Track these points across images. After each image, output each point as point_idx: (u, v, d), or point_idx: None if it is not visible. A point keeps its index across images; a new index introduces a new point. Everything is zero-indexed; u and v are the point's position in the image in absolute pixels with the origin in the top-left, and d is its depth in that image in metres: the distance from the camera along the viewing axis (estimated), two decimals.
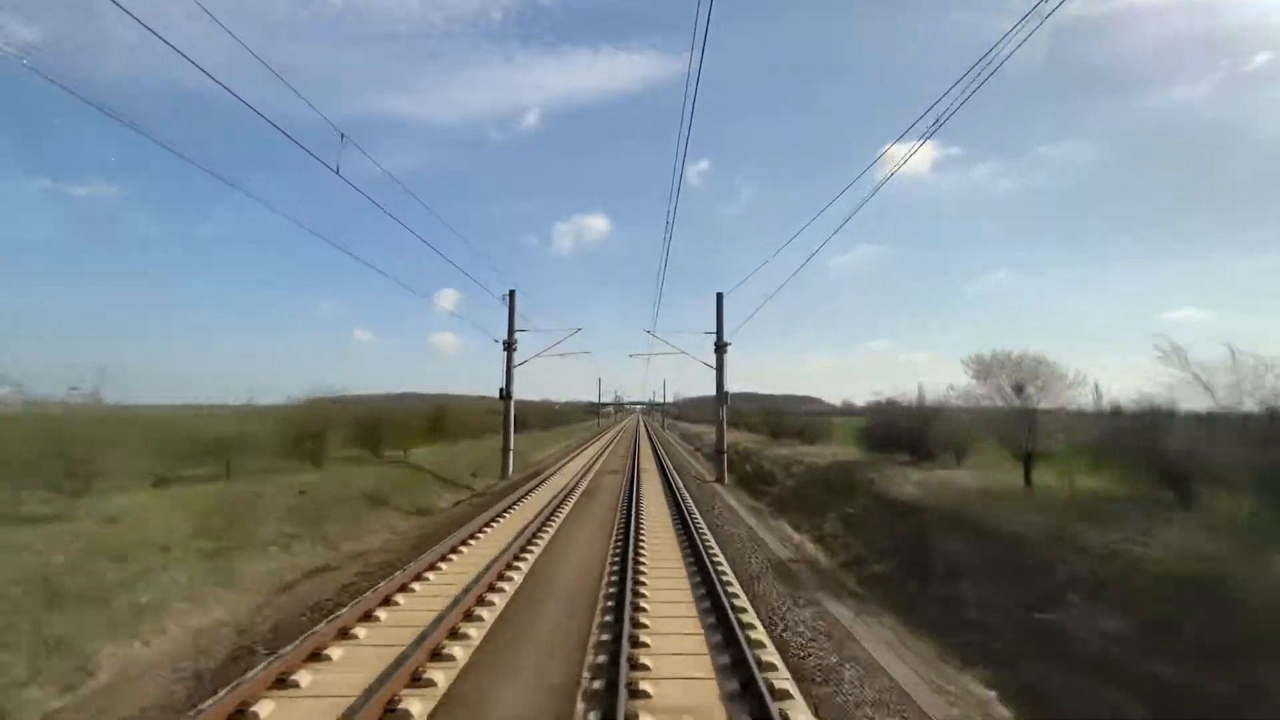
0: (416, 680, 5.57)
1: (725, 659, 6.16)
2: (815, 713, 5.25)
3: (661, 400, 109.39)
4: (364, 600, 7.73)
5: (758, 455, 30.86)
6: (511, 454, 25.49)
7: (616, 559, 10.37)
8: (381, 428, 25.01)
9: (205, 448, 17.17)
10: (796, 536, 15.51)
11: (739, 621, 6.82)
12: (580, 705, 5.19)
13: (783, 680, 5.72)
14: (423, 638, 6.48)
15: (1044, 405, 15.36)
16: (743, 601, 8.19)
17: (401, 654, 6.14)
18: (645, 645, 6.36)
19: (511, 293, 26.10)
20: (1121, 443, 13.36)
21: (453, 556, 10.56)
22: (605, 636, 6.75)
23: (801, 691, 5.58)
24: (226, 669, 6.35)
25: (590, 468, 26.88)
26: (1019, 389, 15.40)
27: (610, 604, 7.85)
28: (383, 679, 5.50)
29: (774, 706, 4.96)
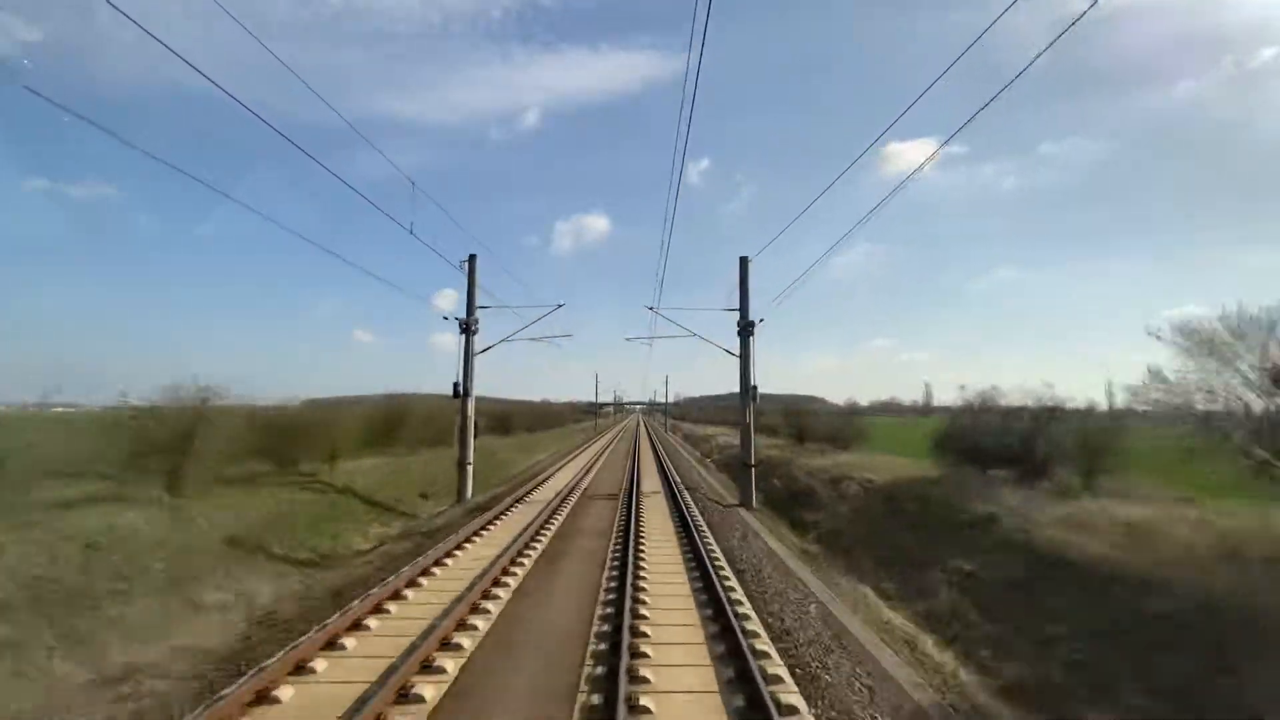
0: None
1: None
2: None
3: (664, 400, 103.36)
4: None
5: (787, 466, 24.76)
6: (470, 470, 19.41)
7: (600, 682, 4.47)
8: (301, 435, 18.96)
9: None
10: (896, 618, 9.44)
11: None
12: None
13: None
14: None
15: None
16: None
17: None
18: None
19: (472, 258, 20.05)
20: None
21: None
22: None
23: None
24: None
25: (577, 484, 20.88)
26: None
27: None
28: None
29: None
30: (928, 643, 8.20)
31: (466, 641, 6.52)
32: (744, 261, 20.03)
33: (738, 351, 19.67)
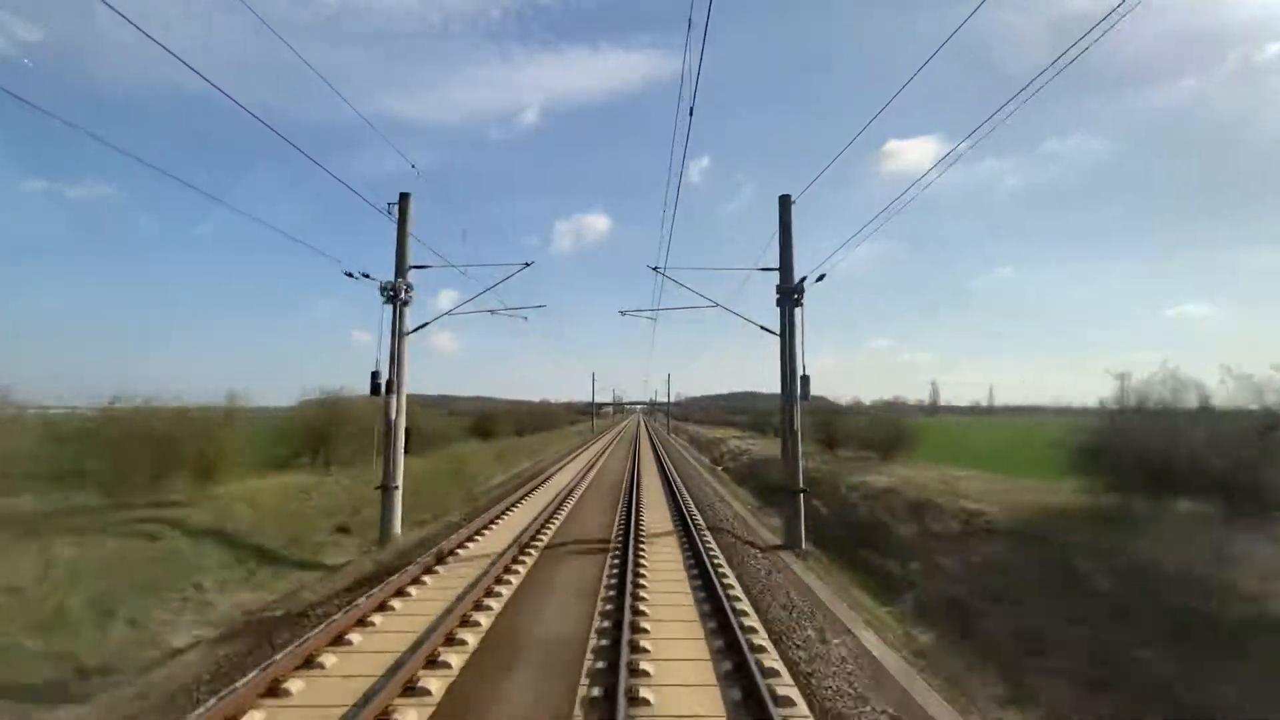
0: None
1: None
2: None
3: (665, 400, 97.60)
4: None
5: (831, 484, 18.94)
6: (398, 496, 13.62)
7: None
8: (152, 450, 13.20)
9: None
10: None
11: None
12: None
13: None
14: None
15: None
16: None
17: None
18: None
19: (403, 198, 14.27)
20: None
21: None
22: None
23: None
24: None
25: (555, 512, 15.13)
26: None
27: None
28: None
29: None
30: None
31: None
32: (785, 204, 14.27)
33: (775, 328, 13.93)
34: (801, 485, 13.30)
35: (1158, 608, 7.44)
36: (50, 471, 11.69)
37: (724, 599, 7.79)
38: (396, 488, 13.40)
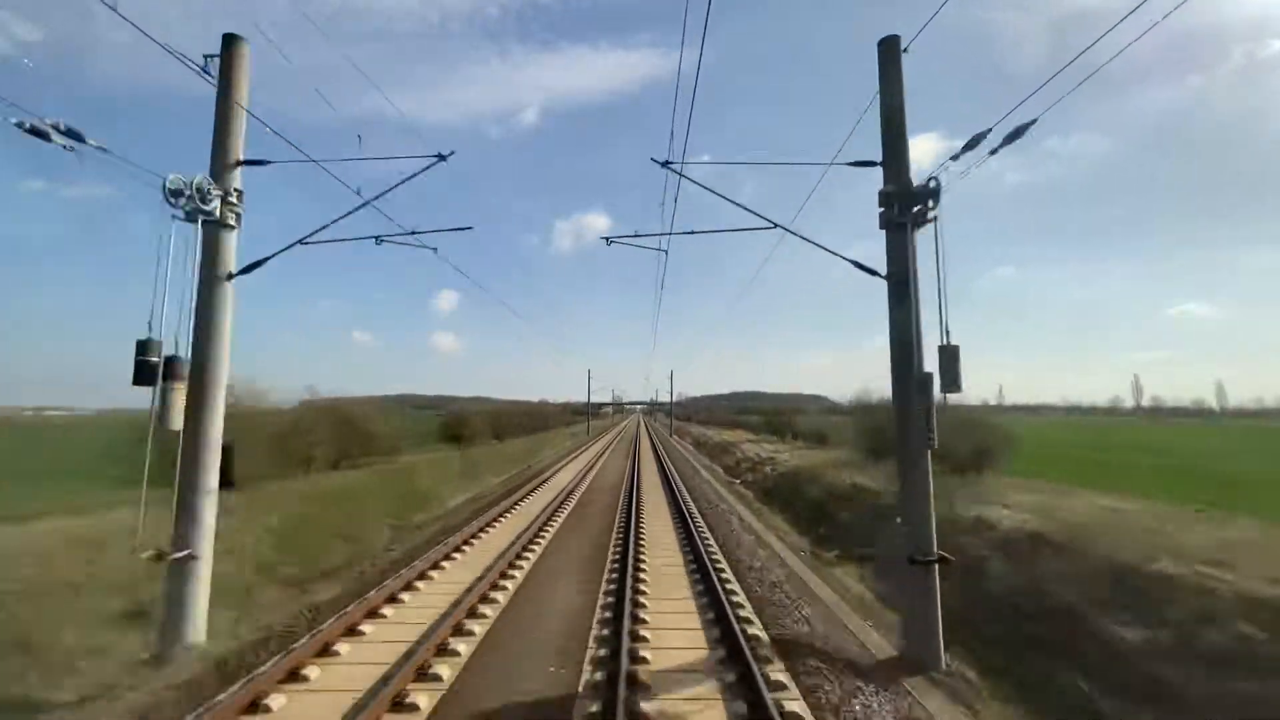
0: None
1: None
2: None
3: (666, 399, 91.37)
4: None
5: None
6: (201, 573, 7.49)
7: None
8: None
9: None
10: None
11: None
12: None
13: None
14: None
15: None
16: None
17: None
18: None
19: (229, 40, 8.19)
20: None
21: None
22: None
23: None
24: None
25: (502, 575, 9.12)
26: None
27: None
28: None
29: None
30: None
31: None
32: (891, 48, 8.17)
33: (878, 266, 7.86)
34: (936, 554, 7.26)
35: None
36: None
37: None
38: (196, 558, 7.31)
